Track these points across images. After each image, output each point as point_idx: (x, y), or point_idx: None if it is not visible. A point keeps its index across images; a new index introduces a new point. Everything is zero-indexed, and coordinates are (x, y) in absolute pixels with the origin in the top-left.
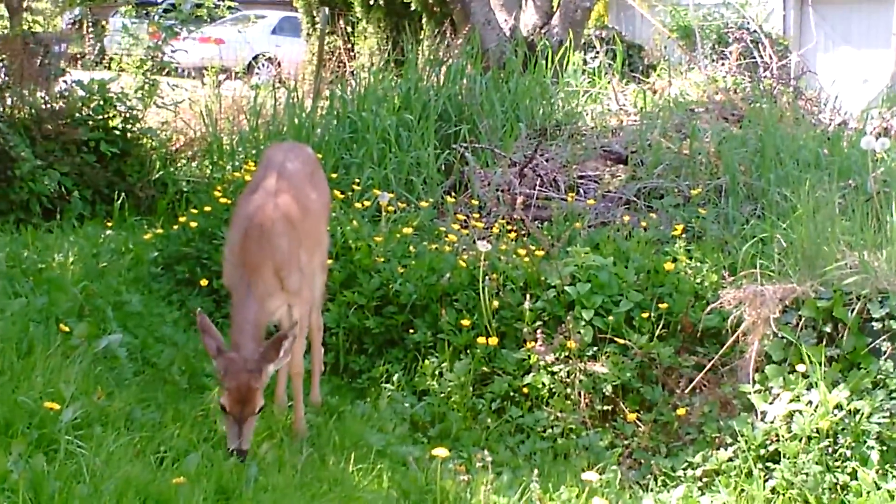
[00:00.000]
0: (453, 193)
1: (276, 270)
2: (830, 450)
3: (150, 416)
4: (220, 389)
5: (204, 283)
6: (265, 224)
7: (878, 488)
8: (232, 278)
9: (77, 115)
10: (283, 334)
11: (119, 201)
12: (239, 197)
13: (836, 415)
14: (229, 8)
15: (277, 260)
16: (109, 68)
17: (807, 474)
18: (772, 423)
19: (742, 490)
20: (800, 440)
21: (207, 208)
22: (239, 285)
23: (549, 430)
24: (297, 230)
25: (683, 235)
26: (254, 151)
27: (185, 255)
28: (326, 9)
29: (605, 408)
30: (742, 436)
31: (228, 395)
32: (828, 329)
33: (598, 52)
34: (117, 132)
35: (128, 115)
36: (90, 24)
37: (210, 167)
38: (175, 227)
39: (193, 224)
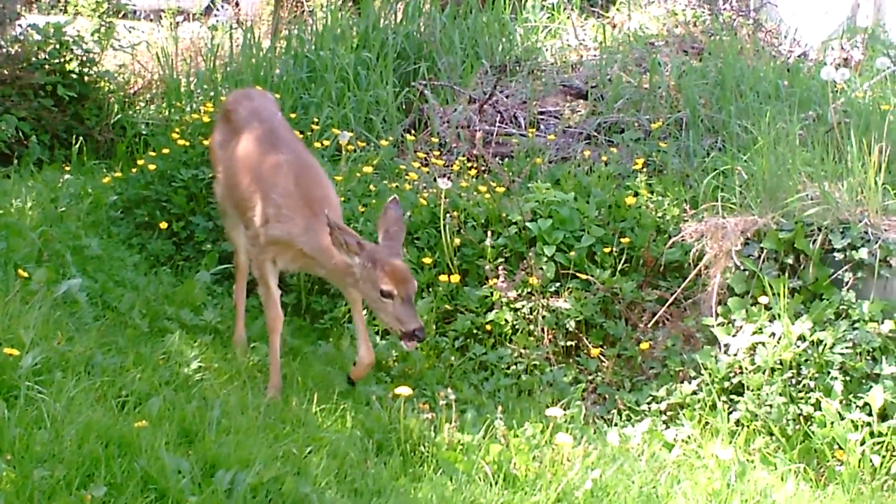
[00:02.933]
0: (413, 131)
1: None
2: (794, 381)
3: (111, 360)
4: (373, 280)
5: (164, 225)
6: (306, 164)
7: (842, 418)
8: (294, 222)
9: (33, 59)
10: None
11: (77, 145)
12: (246, 154)
13: (799, 346)
14: None
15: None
16: (65, 11)
17: (771, 406)
18: (735, 355)
19: (706, 423)
20: (763, 372)
21: (166, 151)
22: (309, 218)
23: (513, 367)
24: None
25: (644, 169)
26: (212, 93)
27: (144, 198)
28: None
29: (569, 343)
30: (706, 369)
31: (392, 278)
32: (790, 260)
33: None
34: (74, 76)
35: (84, 58)
36: None
37: (168, 109)
38: (134, 170)
39: (152, 167)
